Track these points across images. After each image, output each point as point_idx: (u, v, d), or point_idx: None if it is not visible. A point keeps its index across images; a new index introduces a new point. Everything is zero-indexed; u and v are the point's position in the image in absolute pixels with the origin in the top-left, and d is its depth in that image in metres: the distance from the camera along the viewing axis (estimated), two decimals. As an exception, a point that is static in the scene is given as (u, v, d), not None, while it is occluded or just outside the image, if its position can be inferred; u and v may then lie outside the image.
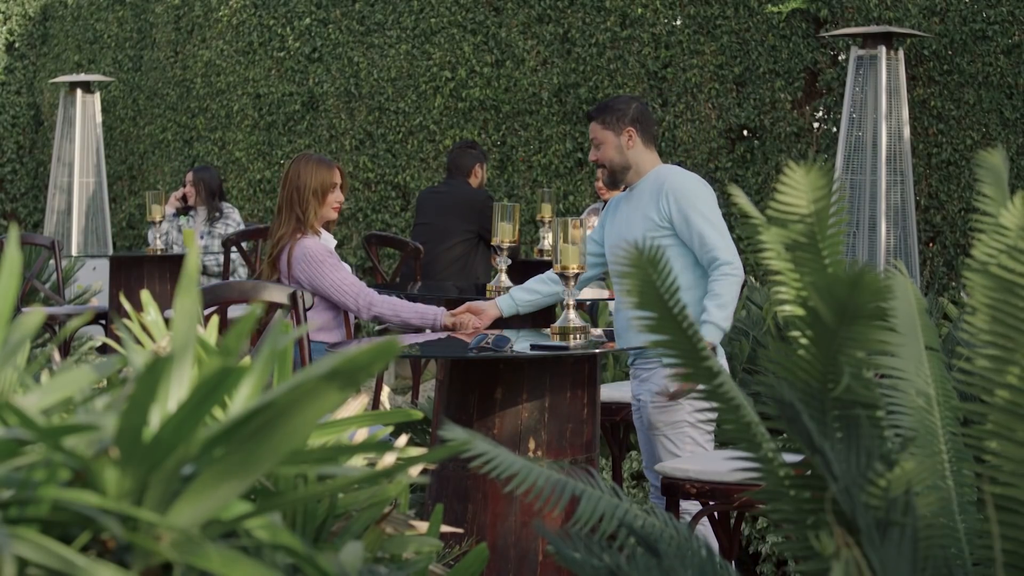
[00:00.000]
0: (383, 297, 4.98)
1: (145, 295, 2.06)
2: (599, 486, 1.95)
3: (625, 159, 4.65)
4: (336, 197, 5.18)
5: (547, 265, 7.56)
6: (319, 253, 4.97)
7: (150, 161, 13.27)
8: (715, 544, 4.01)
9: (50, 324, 7.79)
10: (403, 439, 2.09)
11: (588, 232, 4.62)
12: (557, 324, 4.35)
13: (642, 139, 4.65)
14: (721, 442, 4.54)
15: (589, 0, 10.69)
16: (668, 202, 4.46)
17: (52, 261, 9.26)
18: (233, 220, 9.09)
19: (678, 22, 10.41)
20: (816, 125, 9.99)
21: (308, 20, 12.04)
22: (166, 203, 9.13)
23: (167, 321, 2.04)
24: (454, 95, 11.28)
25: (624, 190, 4.71)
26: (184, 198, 9.12)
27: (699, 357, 1.76)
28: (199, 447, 1.30)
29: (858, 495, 1.62)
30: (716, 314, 4.27)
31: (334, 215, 5.20)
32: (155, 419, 1.34)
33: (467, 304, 4.75)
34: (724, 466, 3.85)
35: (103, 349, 8.60)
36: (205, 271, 8.90)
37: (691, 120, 10.31)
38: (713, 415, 4.20)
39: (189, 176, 9.13)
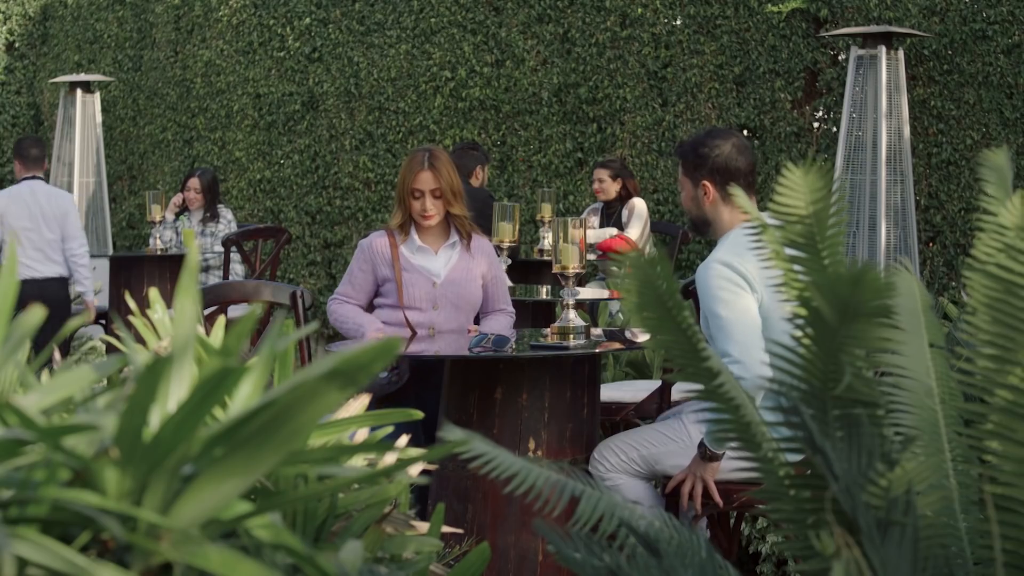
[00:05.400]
0: (342, 307, 4.73)
1: (153, 292, 2.06)
2: (598, 486, 1.95)
3: (703, 213, 3.96)
4: (422, 207, 4.67)
5: (547, 265, 7.57)
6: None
7: (150, 161, 13.27)
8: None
9: (50, 324, 7.79)
10: (403, 439, 2.09)
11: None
12: (557, 324, 4.34)
13: (721, 194, 3.91)
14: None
15: (589, 0, 10.69)
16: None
17: (52, 261, 9.25)
18: (226, 220, 9.09)
19: (678, 22, 10.41)
20: (816, 125, 10.00)
21: (308, 20, 12.03)
22: (166, 207, 9.13)
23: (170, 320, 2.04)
24: (454, 95, 11.28)
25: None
26: (184, 203, 9.11)
27: (699, 357, 1.76)
28: (199, 447, 1.30)
29: (859, 495, 1.62)
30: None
31: (424, 223, 4.70)
32: (155, 419, 1.34)
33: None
34: (724, 466, 3.85)
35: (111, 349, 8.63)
36: (206, 268, 8.90)
37: (691, 120, 10.31)
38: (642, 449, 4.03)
39: (195, 183, 9.06)
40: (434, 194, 4.65)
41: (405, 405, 3.38)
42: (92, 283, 8.03)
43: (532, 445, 4.04)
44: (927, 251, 9.52)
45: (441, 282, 4.70)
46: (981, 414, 1.72)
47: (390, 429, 1.96)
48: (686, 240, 8.89)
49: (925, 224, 9.50)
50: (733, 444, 1.80)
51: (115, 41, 13.50)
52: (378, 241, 4.75)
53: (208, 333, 2.06)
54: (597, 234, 8.23)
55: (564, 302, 4.34)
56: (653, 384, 5.16)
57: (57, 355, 4.84)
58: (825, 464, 1.64)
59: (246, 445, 1.28)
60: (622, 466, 4.02)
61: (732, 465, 3.82)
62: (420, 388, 4.64)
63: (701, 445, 3.85)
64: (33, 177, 7.97)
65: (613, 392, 5.15)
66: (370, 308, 4.86)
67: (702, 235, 4.09)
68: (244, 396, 1.54)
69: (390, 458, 1.86)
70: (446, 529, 1.91)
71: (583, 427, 4.14)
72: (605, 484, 3.98)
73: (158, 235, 8.73)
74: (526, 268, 7.84)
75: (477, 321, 4.83)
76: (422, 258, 4.73)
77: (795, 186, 1.69)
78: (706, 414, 1.80)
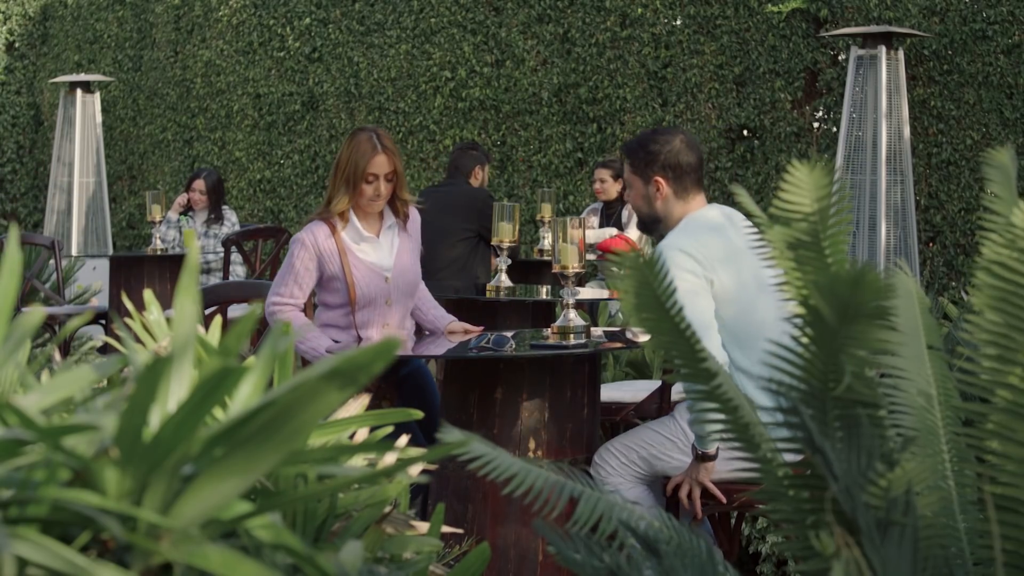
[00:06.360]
0: (291, 313, 4.39)
1: (148, 294, 2.06)
2: (598, 487, 1.94)
3: (653, 211, 3.99)
4: (375, 191, 4.47)
5: (547, 265, 7.57)
6: (291, 243, 4.54)
7: (150, 161, 13.27)
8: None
9: (50, 324, 7.79)
10: (403, 439, 2.09)
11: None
12: (557, 324, 4.34)
13: (674, 189, 3.94)
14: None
15: (589, 0, 10.69)
16: None
17: (52, 261, 9.26)
18: (229, 221, 9.09)
19: (678, 22, 10.41)
20: (816, 125, 10.00)
21: (308, 20, 12.04)
22: (169, 207, 9.12)
23: (168, 321, 2.04)
24: (454, 95, 11.28)
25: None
26: (188, 203, 9.10)
27: (697, 358, 1.76)
28: (199, 447, 1.30)
29: (859, 495, 1.62)
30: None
31: (372, 208, 4.51)
32: (155, 419, 1.34)
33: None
34: (723, 466, 3.85)
35: (104, 349, 8.61)
36: (208, 270, 8.89)
37: (691, 120, 10.31)
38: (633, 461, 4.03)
39: (200, 184, 9.05)
40: (387, 177, 4.48)
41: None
42: None
43: (532, 445, 4.03)
44: (927, 251, 9.52)
45: (392, 275, 4.54)
46: (981, 414, 1.72)
47: (390, 429, 1.96)
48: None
49: (925, 224, 9.50)
50: (724, 443, 1.80)
51: (115, 41, 13.50)
52: (322, 236, 4.47)
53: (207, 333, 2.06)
54: (597, 234, 8.23)
55: (564, 302, 4.33)
56: (653, 384, 5.16)
57: (57, 355, 4.83)
58: (825, 464, 1.64)
59: (246, 445, 1.28)
60: (623, 469, 4.02)
61: (731, 465, 3.82)
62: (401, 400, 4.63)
63: (693, 447, 3.86)
64: None
65: (613, 392, 5.15)
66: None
67: (651, 234, 4.10)
68: (244, 396, 1.54)
69: (390, 458, 1.86)
70: (446, 529, 1.91)
71: (583, 427, 4.14)
72: (607, 488, 3.97)
73: (159, 234, 8.73)
74: (526, 268, 7.84)
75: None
76: (369, 251, 4.53)
77: (800, 183, 1.69)
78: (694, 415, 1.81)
